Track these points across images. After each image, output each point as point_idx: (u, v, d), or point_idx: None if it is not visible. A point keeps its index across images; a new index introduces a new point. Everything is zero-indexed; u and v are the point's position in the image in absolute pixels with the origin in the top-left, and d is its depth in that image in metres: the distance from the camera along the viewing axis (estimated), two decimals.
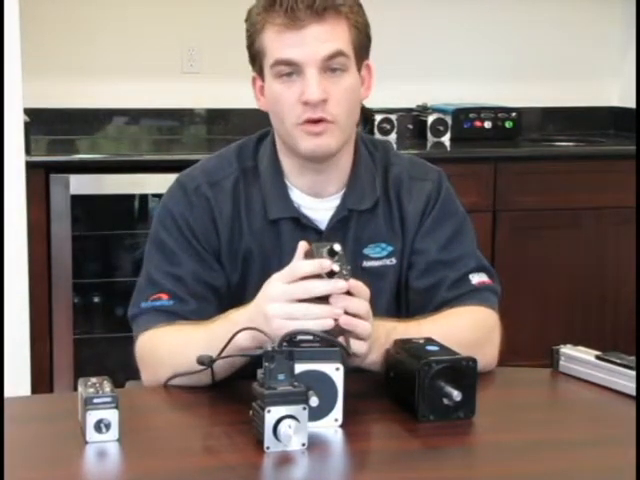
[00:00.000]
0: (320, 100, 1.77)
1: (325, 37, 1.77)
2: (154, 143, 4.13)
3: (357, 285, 1.59)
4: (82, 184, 3.50)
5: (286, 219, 1.89)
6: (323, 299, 1.56)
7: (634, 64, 4.50)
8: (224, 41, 4.07)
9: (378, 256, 1.92)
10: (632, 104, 4.48)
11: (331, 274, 1.56)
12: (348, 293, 1.57)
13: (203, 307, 1.82)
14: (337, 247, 1.58)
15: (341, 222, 1.90)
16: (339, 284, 1.56)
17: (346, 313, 1.56)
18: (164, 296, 1.83)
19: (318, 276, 1.56)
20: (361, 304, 1.58)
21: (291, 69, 1.78)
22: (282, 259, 1.70)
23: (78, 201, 3.49)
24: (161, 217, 1.91)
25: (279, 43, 1.78)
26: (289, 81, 1.79)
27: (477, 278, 1.91)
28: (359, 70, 1.85)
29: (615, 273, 4.05)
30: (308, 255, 1.62)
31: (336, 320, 1.55)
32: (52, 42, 4.00)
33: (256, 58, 1.84)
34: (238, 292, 1.84)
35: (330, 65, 1.78)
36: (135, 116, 4.19)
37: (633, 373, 1.69)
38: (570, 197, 3.96)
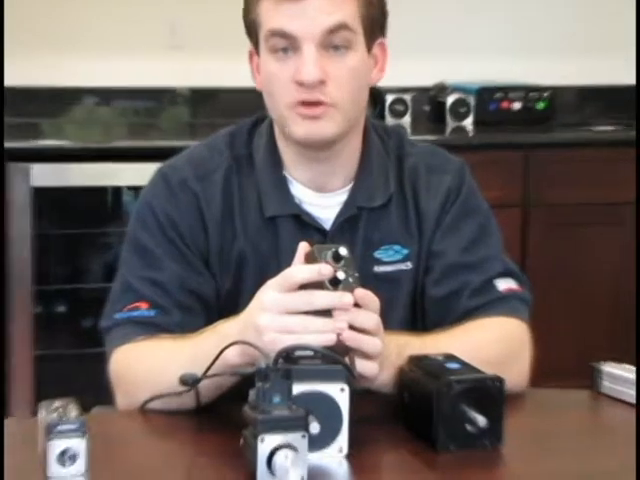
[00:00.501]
0: (316, 81, 1.78)
1: (328, 8, 1.78)
2: (129, 127, 4.14)
3: (365, 295, 1.58)
4: (45, 174, 3.51)
5: (285, 217, 1.90)
6: (325, 311, 1.56)
7: None
8: (211, 11, 4.09)
9: (391, 260, 1.93)
10: None
11: (335, 282, 1.56)
12: (355, 304, 1.56)
13: (188, 319, 1.83)
14: (343, 251, 1.58)
15: (349, 221, 1.91)
16: (345, 298, 1.55)
17: (351, 327, 1.55)
18: (143, 305, 1.84)
19: (320, 284, 1.56)
20: (369, 317, 1.58)
21: (286, 43, 1.80)
22: (281, 263, 1.71)
23: (41, 194, 3.51)
24: (140, 214, 1.92)
25: (275, 13, 1.79)
26: (284, 57, 1.81)
27: (504, 284, 1.92)
28: (369, 50, 1.86)
29: None
30: (309, 258, 1.62)
31: (340, 335, 1.54)
32: (12, 12, 3.99)
33: (252, 29, 1.86)
34: (230, 301, 1.85)
35: (332, 41, 1.79)
36: (107, 96, 4.20)
37: None
38: (612, 190, 3.97)
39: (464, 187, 1.97)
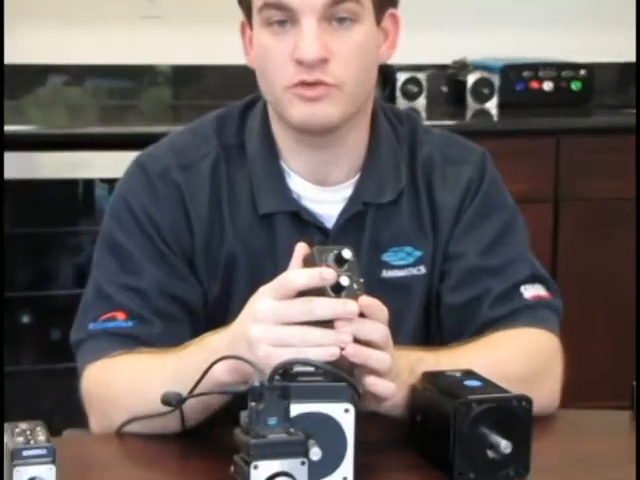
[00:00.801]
0: (318, 59, 1.78)
1: None
2: (103, 110, 4.15)
3: (373, 304, 1.58)
4: (7, 165, 3.49)
5: (282, 214, 1.91)
6: (326, 321, 1.56)
7: None
8: None
9: (402, 264, 1.94)
10: None
11: (338, 288, 1.56)
12: (360, 314, 1.56)
13: (171, 329, 1.84)
14: (347, 253, 1.59)
15: (354, 219, 1.93)
16: (348, 306, 1.55)
17: (356, 340, 1.55)
18: (120, 315, 1.84)
19: (320, 290, 1.57)
20: (376, 328, 1.58)
21: (284, 15, 1.79)
22: (277, 266, 1.72)
23: (5, 188, 3.49)
24: (116, 211, 1.93)
25: None
26: (281, 32, 1.81)
27: (531, 291, 1.93)
28: (379, 22, 1.86)
29: None
30: (308, 262, 1.63)
31: (343, 349, 1.54)
32: None
33: None
34: (218, 309, 1.87)
35: (335, 13, 1.79)
36: (77, 74, 4.21)
37: None
38: None
39: (486, 180, 1.99)
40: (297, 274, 1.60)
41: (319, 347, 1.54)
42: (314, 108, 1.82)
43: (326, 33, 1.79)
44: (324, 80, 1.80)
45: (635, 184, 3.85)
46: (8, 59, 4.05)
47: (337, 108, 1.83)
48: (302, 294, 1.57)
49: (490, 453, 1.58)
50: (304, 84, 1.80)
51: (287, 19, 1.79)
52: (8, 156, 3.46)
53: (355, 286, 1.57)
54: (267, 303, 1.58)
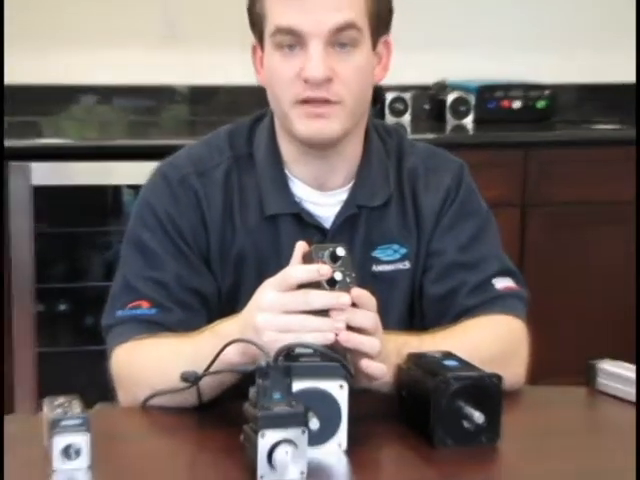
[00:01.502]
0: (323, 78, 1.78)
1: (335, 5, 1.78)
2: (128, 125, 4.14)
3: (363, 295, 1.58)
4: (45, 173, 3.50)
5: (286, 215, 1.91)
6: (323, 310, 1.56)
7: None
8: (211, 7, 4.09)
9: (390, 259, 1.94)
10: None
11: (332, 282, 1.57)
12: (352, 304, 1.57)
13: (189, 317, 1.83)
14: (340, 251, 1.59)
15: (349, 220, 1.92)
16: (342, 298, 1.55)
17: (349, 328, 1.56)
18: (144, 304, 1.84)
19: (317, 283, 1.57)
20: (367, 316, 1.58)
21: (293, 40, 1.79)
22: (281, 261, 1.71)
23: (41, 193, 3.50)
24: (140, 213, 1.92)
25: (282, 8, 1.79)
26: (290, 54, 1.80)
27: (501, 283, 1.93)
28: (375, 46, 1.86)
29: None
30: (306, 258, 1.63)
31: (337, 335, 1.55)
32: (9, 8, 3.99)
33: (256, 23, 1.85)
34: (230, 299, 1.86)
35: (339, 39, 1.79)
36: (107, 94, 4.19)
37: None
38: (612, 189, 3.97)
39: (463, 187, 1.98)
40: (297, 269, 1.60)
41: (316, 333, 1.54)
42: (319, 124, 1.82)
43: (330, 56, 1.78)
44: (328, 98, 1.80)
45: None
46: (45, 80, 4.05)
47: (339, 124, 1.83)
48: (302, 287, 1.57)
49: (465, 423, 1.58)
50: (310, 101, 1.80)
51: (296, 43, 1.79)
52: (47, 165, 3.48)
53: (347, 280, 1.57)
54: (271, 294, 1.58)
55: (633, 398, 1.78)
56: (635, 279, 3.91)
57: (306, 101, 1.81)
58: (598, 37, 4.57)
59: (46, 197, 3.51)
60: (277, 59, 1.82)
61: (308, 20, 1.77)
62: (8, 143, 3.56)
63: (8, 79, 3.89)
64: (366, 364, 1.58)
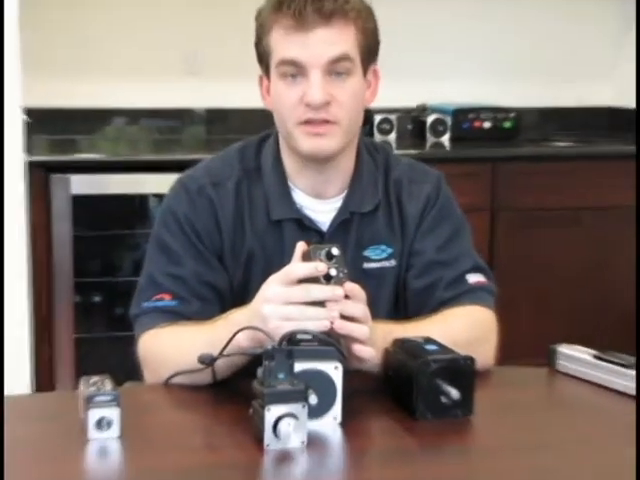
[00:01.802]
0: (323, 102, 1.78)
1: (331, 40, 1.77)
2: (154, 143, 4.14)
3: (354, 288, 1.58)
4: (83, 184, 3.50)
5: (289, 220, 1.90)
6: (320, 302, 1.56)
7: (629, 65, 4.52)
8: (225, 42, 4.09)
9: (378, 258, 1.93)
10: (627, 104, 4.50)
11: (328, 277, 1.56)
12: (345, 296, 1.57)
13: (205, 307, 1.82)
14: (335, 250, 1.58)
15: (343, 224, 1.91)
16: (336, 291, 1.56)
17: (343, 317, 1.56)
18: (167, 296, 1.84)
19: (315, 278, 1.57)
20: (358, 307, 1.58)
21: (295, 70, 1.79)
22: (284, 260, 1.70)
23: (79, 201, 3.50)
24: (164, 218, 1.92)
25: (285, 44, 1.78)
26: (293, 83, 1.80)
27: (473, 278, 1.93)
28: (365, 74, 1.85)
29: (614, 273, 4.06)
30: (306, 257, 1.62)
31: (333, 323, 1.55)
32: (54, 42, 4.00)
33: (263, 57, 1.85)
34: (241, 292, 1.85)
35: (335, 68, 1.79)
36: (135, 116, 4.19)
37: (632, 372, 1.70)
38: (568, 197, 3.97)
39: (441, 195, 1.97)
40: (298, 267, 1.60)
41: (315, 321, 1.54)
42: (319, 141, 1.81)
43: (328, 83, 1.78)
44: (327, 118, 1.79)
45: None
46: (83, 105, 4.06)
47: (336, 141, 1.83)
48: (302, 281, 1.57)
49: (443, 399, 1.57)
50: (311, 122, 1.79)
51: (298, 73, 1.78)
52: (85, 177, 3.49)
53: (341, 275, 1.57)
54: (276, 288, 1.58)
55: (588, 377, 1.78)
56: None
57: (308, 122, 1.80)
58: (556, 68, 4.58)
59: (83, 205, 3.52)
60: (282, 87, 1.81)
61: (308, 53, 1.77)
62: (51, 158, 3.58)
63: (52, 104, 3.92)
64: (357, 348, 1.58)
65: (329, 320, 1.54)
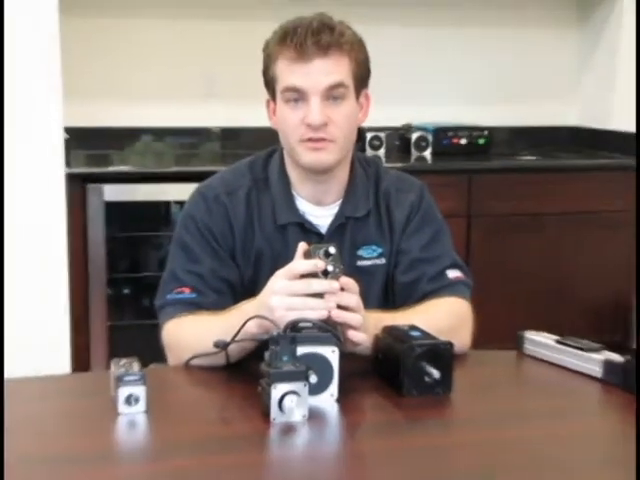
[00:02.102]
0: (321, 124, 1.78)
1: (328, 70, 1.77)
2: (176, 157, 4.13)
3: (348, 282, 1.58)
4: (114, 193, 3.49)
5: (293, 224, 1.89)
6: (319, 294, 1.56)
7: (590, 88, 4.51)
8: (237, 70, 4.09)
9: (370, 256, 1.92)
10: (588, 123, 4.51)
11: (326, 272, 1.57)
12: (341, 289, 1.57)
13: (220, 299, 1.82)
14: (332, 249, 1.59)
15: (339, 227, 1.91)
16: (333, 284, 1.56)
17: (339, 307, 1.56)
18: (187, 290, 1.83)
19: (315, 274, 1.57)
20: (352, 298, 1.58)
21: (298, 95, 1.79)
22: (289, 258, 1.69)
23: (111, 207, 3.48)
24: (184, 221, 1.91)
25: (289, 72, 1.78)
26: (295, 106, 1.80)
27: (452, 273, 1.92)
28: (358, 98, 1.85)
29: (574, 270, 4.06)
30: (306, 255, 1.62)
31: (330, 312, 1.55)
32: (90, 70, 4.00)
33: (270, 83, 1.85)
34: (250, 286, 1.84)
35: (331, 94, 1.79)
36: (160, 134, 4.18)
37: (587, 355, 1.70)
38: (535, 205, 3.96)
39: (423, 203, 1.97)
40: (300, 263, 1.60)
41: (315, 310, 1.54)
42: (318, 156, 1.81)
43: (325, 107, 1.78)
44: (325, 137, 1.80)
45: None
46: (115, 124, 4.05)
47: (333, 156, 1.83)
48: (303, 276, 1.58)
49: (426, 378, 1.57)
50: (312, 140, 1.80)
51: (300, 98, 1.79)
52: (116, 186, 3.49)
53: (337, 270, 1.58)
54: (281, 282, 1.58)
55: (550, 359, 1.78)
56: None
57: (309, 139, 1.80)
58: (524, 92, 4.57)
59: (115, 210, 3.51)
60: (287, 110, 1.81)
61: (309, 81, 1.77)
62: (87, 170, 3.57)
63: (89, 124, 3.93)
64: (352, 334, 1.58)
65: (327, 310, 1.54)
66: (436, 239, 1.95)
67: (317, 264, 1.57)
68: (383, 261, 1.93)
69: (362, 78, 1.85)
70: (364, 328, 1.61)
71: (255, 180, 1.93)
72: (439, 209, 2.01)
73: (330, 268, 1.57)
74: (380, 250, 1.93)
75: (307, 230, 1.89)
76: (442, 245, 1.96)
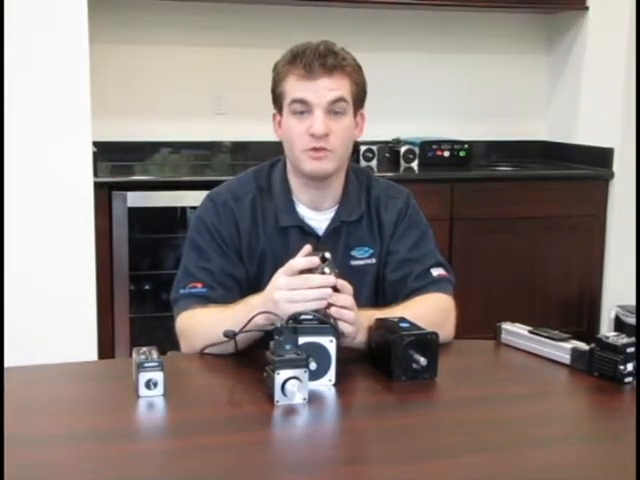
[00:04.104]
0: (324, 134, 1.78)
1: (332, 87, 1.78)
2: (191, 168, 4.12)
3: (343, 283, 1.58)
4: (136, 199, 3.49)
5: (293, 227, 1.88)
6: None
7: (558, 106, 4.51)
8: (246, 89, 4.09)
9: (362, 257, 1.91)
10: (556, 138, 4.50)
11: (322, 274, 1.56)
12: (337, 290, 1.56)
13: (228, 294, 1.80)
14: (327, 255, 1.58)
15: (335, 230, 1.90)
16: (330, 279, 1.56)
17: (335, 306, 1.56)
18: (199, 285, 1.82)
19: (312, 270, 1.56)
20: (347, 298, 1.58)
21: (304, 108, 1.79)
22: (290, 258, 1.67)
23: (134, 212, 3.48)
24: (196, 224, 1.90)
25: (297, 88, 1.79)
26: (301, 118, 1.80)
27: (437, 271, 1.91)
28: (355, 116, 1.85)
29: (543, 269, 4.05)
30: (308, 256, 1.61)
31: (327, 308, 1.54)
32: (116, 90, 4.00)
33: (278, 99, 1.84)
34: (255, 282, 1.83)
35: (333, 108, 1.79)
36: (177, 147, 4.18)
37: (557, 343, 1.69)
38: (508, 209, 3.96)
39: (410, 208, 1.96)
40: (298, 260, 1.60)
41: (313, 302, 1.54)
42: (319, 164, 1.81)
43: (328, 119, 1.79)
44: (326, 147, 1.80)
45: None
46: (137, 139, 4.05)
47: (331, 164, 1.82)
48: (302, 273, 1.57)
49: (414, 365, 1.56)
50: (315, 149, 1.79)
51: (305, 111, 1.79)
52: (138, 193, 3.49)
53: (332, 273, 1.57)
54: (283, 278, 1.58)
55: (524, 348, 1.77)
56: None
57: (312, 149, 1.80)
58: (499, 110, 4.57)
59: (137, 214, 3.50)
60: (293, 121, 1.81)
61: (315, 96, 1.78)
62: (113, 179, 3.56)
63: (114, 138, 3.94)
64: (342, 325, 1.57)
65: (324, 299, 1.54)
66: (421, 241, 1.94)
67: (312, 260, 1.57)
68: (374, 261, 1.92)
69: (359, 98, 1.85)
70: (358, 323, 1.60)
71: (260, 188, 1.92)
72: (424, 214, 2.00)
73: (327, 270, 1.57)
74: (371, 251, 1.92)
75: (306, 232, 1.88)
76: (427, 246, 1.94)
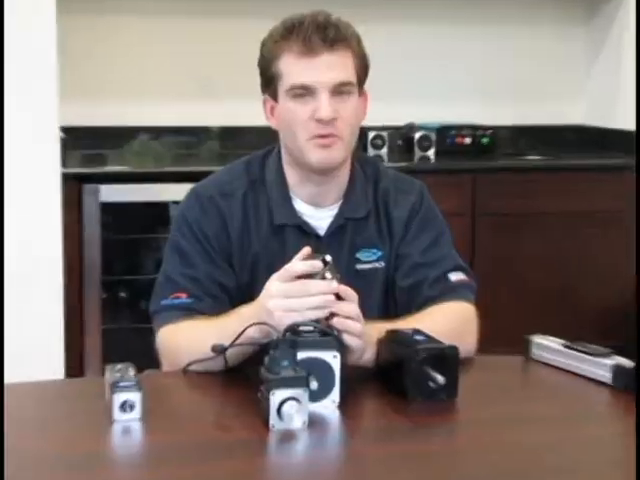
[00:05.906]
0: (332, 118, 1.78)
1: (335, 65, 1.78)
2: (174, 157, 4.12)
3: (346, 290, 1.58)
4: (110, 193, 3.50)
5: (290, 226, 1.88)
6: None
7: (596, 86, 4.50)
8: (236, 68, 4.08)
9: (369, 260, 1.91)
10: (593, 122, 4.50)
11: (323, 279, 1.57)
12: (340, 298, 1.57)
13: (216, 304, 1.80)
14: (328, 258, 1.59)
15: (338, 229, 1.90)
16: (332, 284, 1.56)
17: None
18: (182, 295, 1.82)
19: (311, 275, 1.57)
20: (351, 307, 1.58)
21: (305, 91, 1.78)
22: (286, 261, 1.67)
23: (107, 208, 3.49)
24: (178, 223, 1.90)
25: (296, 68, 1.78)
26: (303, 101, 1.79)
27: (455, 276, 1.90)
28: (360, 96, 1.85)
29: (577, 270, 4.04)
30: (306, 259, 1.62)
31: (329, 318, 1.55)
32: (87, 68, 4.00)
33: (271, 81, 1.83)
34: (247, 291, 1.82)
35: (339, 90, 1.79)
36: (158, 133, 4.17)
37: (596, 360, 1.69)
38: (539, 204, 3.95)
39: (424, 204, 1.96)
40: (296, 264, 1.60)
41: (314, 310, 1.54)
42: (327, 153, 1.81)
43: (334, 102, 1.78)
44: (334, 133, 1.79)
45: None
46: (111, 123, 4.04)
47: (340, 153, 1.82)
48: (300, 278, 1.58)
49: (431, 384, 1.56)
50: (321, 136, 1.79)
51: (307, 93, 1.78)
52: (112, 187, 3.49)
53: (334, 277, 1.57)
54: (278, 285, 1.58)
55: (558, 364, 1.76)
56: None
57: (318, 136, 1.80)
58: (529, 90, 4.56)
59: (111, 211, 3.51)
60: (295, 106, 1.80)
61: (318, 77, 1.77)
62: (83, 170, 3.57)
63: (85, 122, 3.93)
64: (347, 338, 1.57)
65: (326, 307, 1.54)
66: (437, 242, 1.93)
67: (313, 264, 1.57)
68: (382, 264, 1.92)
69: (363, 74, 1.85)
70: (367, 336, 1.60)
71: (251, 181, 1.91)
72: (440, 210, 2.00)
73: (328, 275, 1.57)
74: (380, 253, 1.92)
75: (305, 232, 1.88)
76: (443, 247, 1.94)
